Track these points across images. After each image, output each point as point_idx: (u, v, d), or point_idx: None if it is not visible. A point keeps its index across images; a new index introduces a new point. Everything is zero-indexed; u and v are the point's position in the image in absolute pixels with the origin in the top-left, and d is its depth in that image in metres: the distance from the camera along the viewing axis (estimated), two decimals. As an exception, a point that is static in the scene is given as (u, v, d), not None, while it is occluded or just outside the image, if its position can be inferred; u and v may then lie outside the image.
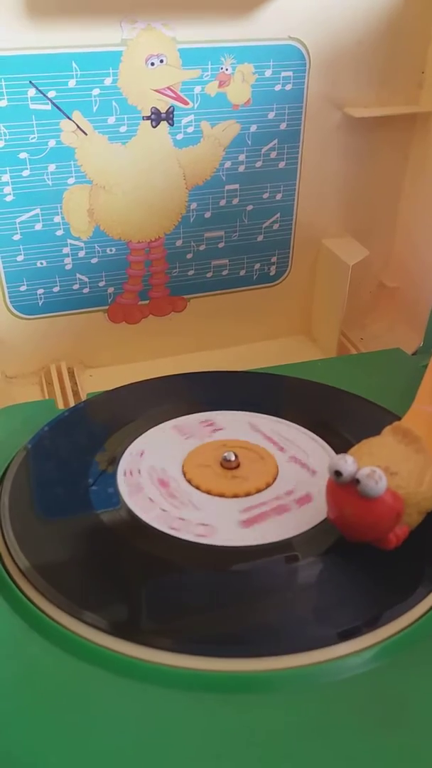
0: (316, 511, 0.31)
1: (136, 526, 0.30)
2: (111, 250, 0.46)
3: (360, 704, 0.24)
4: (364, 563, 0.28)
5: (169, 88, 0.42)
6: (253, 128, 0.45)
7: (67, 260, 0.45)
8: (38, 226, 0.44)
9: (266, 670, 0.25)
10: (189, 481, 0.33)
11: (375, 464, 0.26)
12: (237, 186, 0.47)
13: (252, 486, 0.32)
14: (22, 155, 0.41)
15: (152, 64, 0.41)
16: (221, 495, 0.32)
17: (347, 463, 0.26)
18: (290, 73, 0.44)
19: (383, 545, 0.27)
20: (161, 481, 0.33)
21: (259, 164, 0.46)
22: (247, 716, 0.24)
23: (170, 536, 0.30)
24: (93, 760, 0.22)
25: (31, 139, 0.41)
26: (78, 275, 0.46)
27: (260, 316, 0.52)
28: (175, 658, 0.25)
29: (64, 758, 0.22)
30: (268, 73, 0.43)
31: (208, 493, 0.32)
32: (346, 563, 0.28)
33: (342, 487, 0.26)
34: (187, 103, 0.43)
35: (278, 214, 0.49)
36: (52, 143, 0.41)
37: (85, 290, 0.47)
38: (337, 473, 0.26)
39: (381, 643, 0.26)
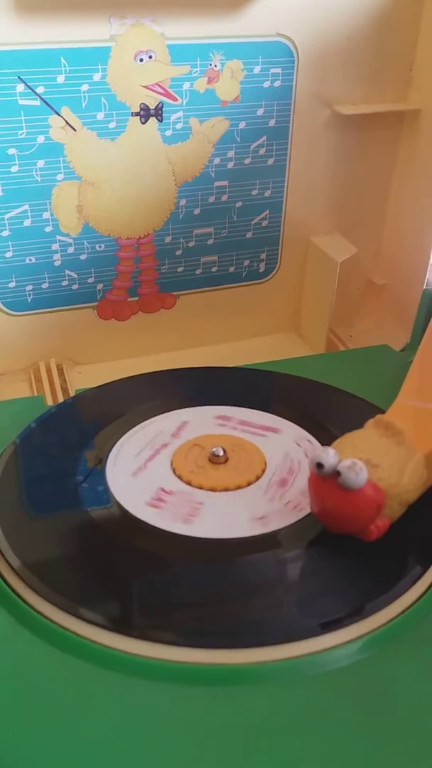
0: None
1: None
2: (100, 247, 0.46)
3: (346, 695, 0.24)
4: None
5: (158, 84, 0.42)
6: (242, 125, 0.45)
7: (56, 256, 0.45)
8: (27, 223, 0.44)
9: (252, 662, 0.25)
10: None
11: (356, 457, 0.26)
12: (226, 182, 0.47)
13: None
14: (11, 151, 0.41)
15: (141, 60, 0.41)
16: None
17: (329, 456, 0.26)
18: (279, 70, 0.44)
19: (364, 537, 0.27)
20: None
21: (247, 161, 0.46)
22: (233, 708, 0.24)
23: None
24: (81, 754, 0.23)
25: (20, 134, 0.41)
26: (67, 271, 0.46)
27: (249, 313, 0.52)
28: (162, 651, 0.25)
29: (52, 753, 0.23)
30: (256, 69, 0.44)
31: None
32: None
33: (323, 479, 0.26)
34: (176, 100, 0.43)
35: (267, 211, 0.49)
36: (40, 139, 0.41)
37: (74, 287, 0.47)
38: (319, 465, 0.26)
39: (366, 635, 0.26)
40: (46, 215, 0.44)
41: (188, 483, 0.33)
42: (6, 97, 0.40)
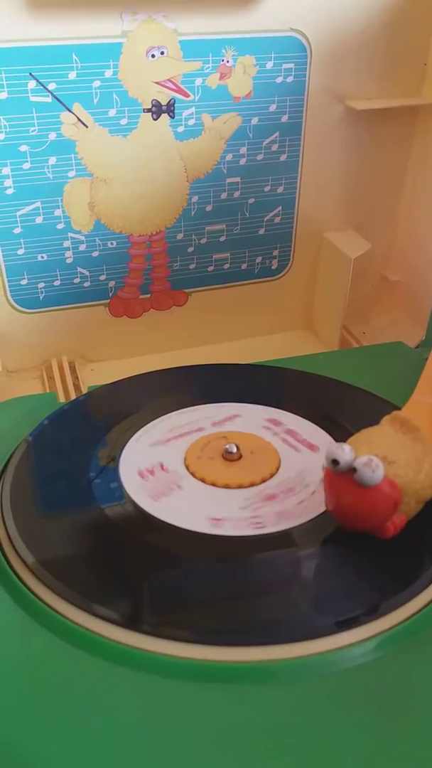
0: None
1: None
2: (112, 244, 0.46)
3: (362, 694, 0.24)
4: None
5: (169, 80, 0.42)
6: (255, 121, 0.45)
7: (68, 254, 0.45)
8: (39, 220, 0.44)
9: (268, 659, 0.25)
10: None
11: (373, 453, 0.26)
12: (238, 179, 0.46)
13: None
14: (23, 148, 0.41)
15: (153, 56, 0.41)
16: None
17: (344, 452, 0.25)
18: (291, 65, 0.44)
19: (381, 534, 0.27)
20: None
21: (260, 157, 0.46)
22: (248, 706, 0.24)
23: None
24: (94, 750, 0.22)
25: (32, 131, 0.41)
26: (79, 269, 0.46)
27: (262, 310, 0.52)
28: (177, 648, 0.25)
29: (65, 748, 0.22)
30: (269, 65, 0.43)
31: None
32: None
33: (339, 476, 0.26)
34: (188, 96, 0.43)
35: (280, 208, 0.49)
36: (52, 136, 0.41)
37: (86, 284, 0.47)
38: (334, 462, 0.26)
39: (383, 633, 0.26)
40: (57, 212, 0.44)
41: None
42: (18, 94, 0.40)
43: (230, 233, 0.48)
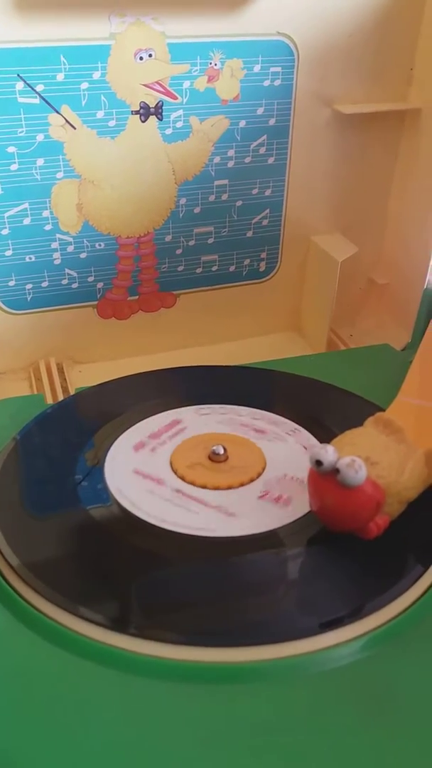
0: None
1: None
2: (100, 245, 0.46)
3: (347, 694, 0.24)
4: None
5: (157, 82, 0.42)
6: (242, 124, 0.45)
7: (56, 255, 0.45)
8: (27, 221, 0.44)
9: (253, 660, 0.25)
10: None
11: (356, 454, 0.26)
12: (226, 181, 0.47)
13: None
14: (10, 149, 0.41)
15: (141, 58, 0.41)
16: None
17: (327, 453, 0.26)
18: (279, 69, 0.44)
19: (364, 535, 0.27)
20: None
21: (248, 160, 0.46)
22: (234, 706, 0.24)
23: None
24: (82, 752, 0.22)
25: (20, 133, 0.41)
26: (67, 270, 0.46)
27: (250, 312, 0.52)
28: (162, 650, 0.25)
29: (53, 751, 0.22)
30: (256, 68, 0.44)
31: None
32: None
33: (323, 476, 0.26)
34: (175, 98, 0.43)
35: (267, 210, 0.49)
36: (40, 137, 0.41)
37: (74, 285, 0.47)
38: (318, 463, 0.26)
39: (367, 634, 0.26)
40: (45, 214, 0.44)
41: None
42: (5, 95, 0.40)
43: (218, 235, 0.48)
